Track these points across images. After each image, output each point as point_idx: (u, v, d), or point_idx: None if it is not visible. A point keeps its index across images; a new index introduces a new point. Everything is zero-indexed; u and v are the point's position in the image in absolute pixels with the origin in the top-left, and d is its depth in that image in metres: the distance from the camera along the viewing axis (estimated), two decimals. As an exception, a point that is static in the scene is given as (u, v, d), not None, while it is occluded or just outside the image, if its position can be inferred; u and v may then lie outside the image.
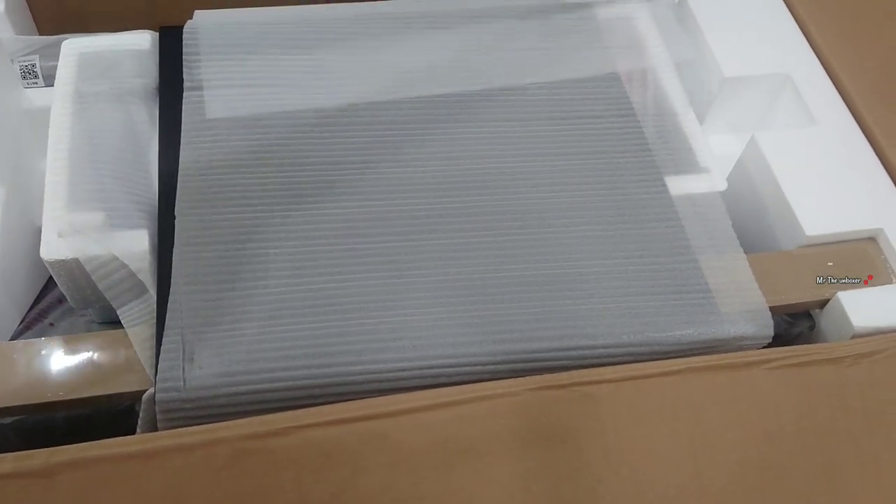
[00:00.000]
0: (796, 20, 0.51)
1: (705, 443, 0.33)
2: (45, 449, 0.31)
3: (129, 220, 0.38)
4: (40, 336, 0.44)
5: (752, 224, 0.44)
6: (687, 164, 0.43)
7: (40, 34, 0.55)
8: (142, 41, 0.45)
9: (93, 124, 0.41)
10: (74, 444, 0.31)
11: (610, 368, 0.35)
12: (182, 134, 0.41)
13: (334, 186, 0.40)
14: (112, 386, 0.35)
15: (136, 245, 0.37)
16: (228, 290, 0.36)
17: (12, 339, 0.44)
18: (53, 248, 0.37)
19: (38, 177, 0.45)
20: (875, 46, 0.49)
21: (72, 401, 0.35)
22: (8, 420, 0.37)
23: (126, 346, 0.36)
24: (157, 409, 0.33)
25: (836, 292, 0.39)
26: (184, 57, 0.44)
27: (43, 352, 0.36)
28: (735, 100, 0.49)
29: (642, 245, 0.39)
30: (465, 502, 0.31)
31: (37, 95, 0.48)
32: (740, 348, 0.37)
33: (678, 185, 0.42)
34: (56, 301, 0.46)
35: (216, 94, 0.42)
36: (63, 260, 0.37)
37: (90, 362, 0.35)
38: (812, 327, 0.41)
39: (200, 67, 0.43)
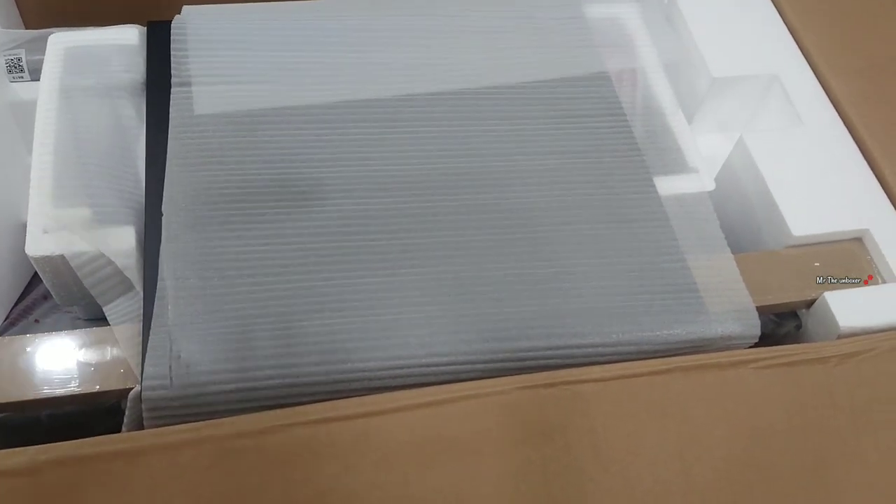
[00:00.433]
0: (784, 21, 0.51)
1: (693, 441, 0.34)
2: (30, 447, 0.31)
3: (115, 216, 0.38)
4: (25, 332, 0.44)
5: (740, 224, 0.44)
6: (675, 164, 0.43)
7: (26, 28, 0.55)
8: (129, 36, 0.45)
9: (79, 119, 0.41)
10: (60, 443, 0.31)
11: (599, 367, 0.35)
12: (170, 129, 0.40)
13: (324, 184, 0.40)
14: (98, 383, 0.34)
15: (122, 241, 0.37)
16: (216, 288, 0.36)
17: (-4, 336, 0.43)
18: (39, 244, 0.37)
19: (24, 172, 0.45)
20: (862, 47, 0.49)
21: (57, 398, 0.34)
22: (-9, 418, 0.36)
23: (112, 344, 0.35)
24: (143, 407, 0.33)
25: (822, 292, 0.39)
26: (172, 52, 0.43)
27: (28, 348, 0.35)
28: (723, 100, 0.49)
29: (631, 244, 0.39)
30: (453, 501, 0.31)
31: (22, 89, 0.47)
32: (727, 348, 0.37)
33: (667, 185, 0.42)
34: (41, 297, 0.46)
35: (204, 90, 0.42)
36: (48, 256, 0.37)
37: (76, 359, 0.35)
38: (799, 327, 0.41)
39: (188, 63, 0.43)
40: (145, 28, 0.45)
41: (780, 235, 0.42)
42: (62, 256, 0.37)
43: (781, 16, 0.51)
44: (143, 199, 0.39)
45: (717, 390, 0.35)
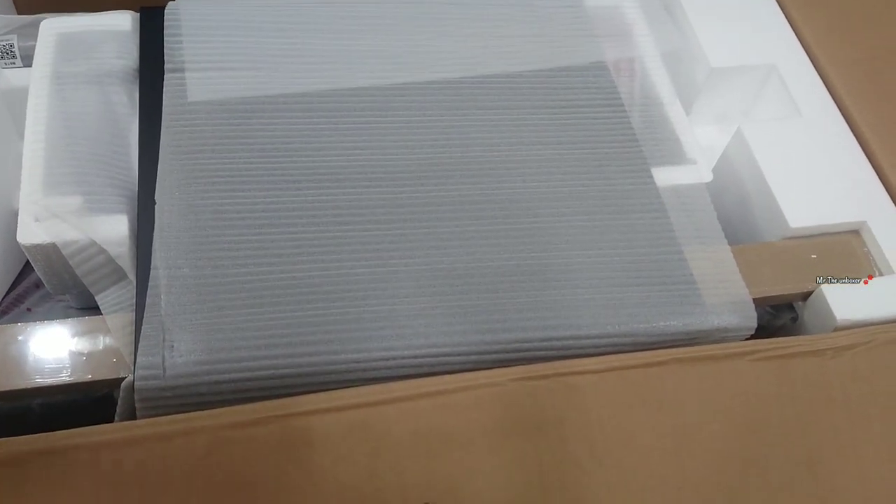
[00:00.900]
0: (783, 11, 0.51)
1: (688, 433, 0.33)
2: (20, 437, 0.30)
3: (107, 204, 0.38)
4: (17, 321, 0.43)
5: (737, 215, 0.44)
6: (673, 154, 0.43)
7: (18, 13, 0.54)
8: (122, 21, 0.44)
9: (71, 106, 0.40)
10: (50, 432, 0.31)
11: (594, 359, 0.34)
12: (163, 117, 0.40)
13: (318, 172, 0.39)
14: (90, 373, 0.34)
15: (114, 230, 0.37)
16: (209, 277, 0.35)
17: (-12, 324, 0.43)
18: (30, 233, 0.36)
19: (15, 159, 0.44)
20: (861, 39, 0.49)
21: (48, 387, 0.34)
22: (-18, 407, 0.36)
23: (104, 333, 0.35)
24: (135, 396, 0.33)
25: (819, 285, 0.39)
26: (165, 38, 0.43)
27: (20, 337, 0.35)
28: (722, 90, 0.48)
29: (628, 236, 0.39)
30: (448, 492, 0.31)
31: (14, 76, 0.47)
32: (723, 339, 0.37)
33: (664, 176, 0.42)
34: (33, 286, 0.46)
35: (198, 77, 0.42)
36: (40, 244, 0.36)
37: (67, 349, 0.35)
38: (795, 319, 0.41)
39: (182, 49, 0.43)
40: (138, 14, 0.45)
41: (777, 227, 0.41)
42: (54, 245, 0.36)
43: (780, 6, 0.51)
44: (135, 187, 0.39)
45: (713, 383, 0.34)
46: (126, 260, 0.36)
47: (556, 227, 0.39)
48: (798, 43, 0.49)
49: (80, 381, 0.34)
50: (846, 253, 0.41)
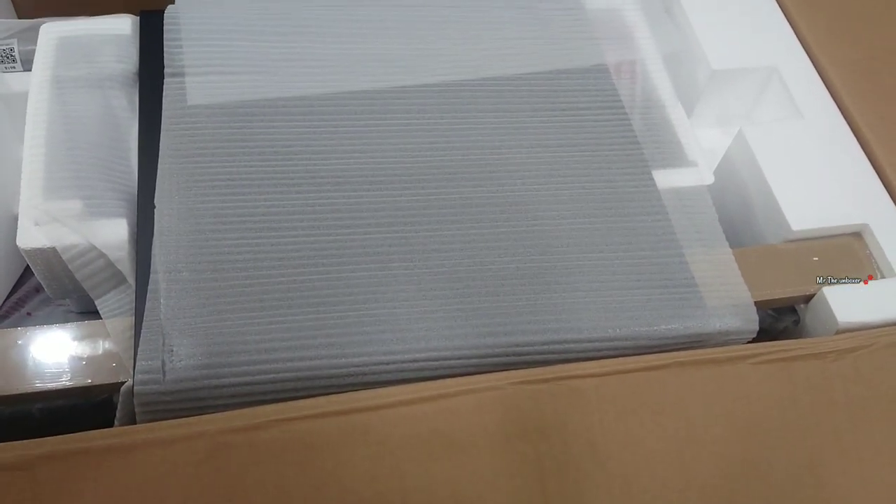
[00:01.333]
0: (784, 13, 0.51)
1: (690, 437, 0.33)
2: (22, 441, 0.30)
3: (107, 208, 0.38)
4: (17, 325, 0.43)
5: (739, 218, 0.44)
6: (674, 157, 0.43)
7: (18, 17, 0.54)
8: (122, 25, 0.44)
9: (71, 110, 0.40)
10: (52, 437, 0.30)
11: (595, 363, 0.34)
12: (162, 121, 0.40)
13: (318, 176, 0.39)
14: (90, 377, 0.34)
15: (114, 234, 0.37)
16: (209, 281, 0.35)
17: (-12, 328, 0.43)
18: (30, 237, 0.36)
19: (15, 163, 0.44)
20: (862, 40, 0.49)
21: (49, 392, 0.34)
22: (-17, 412, 0.36)
23: (104, 337, 0.35)
24: (135, 401, 0.33)
25: (821, 287, 0.39)
26: (165, 42, 0.43)
27: (20, 342, 0.35)
28: (723, 92, 0.48)
29: (629, 238, 0.39)
30: (449, 496, 0.31)
31: (14, 80, 0.47)
32: (725, 343, 0.37)
33: (665, 179, 0.41)
34: (33, 290, 0.46)
35: (198, 81, 0.42)
36: (40, 248, 0.36)
37: (68, 353, 0.35)
38: (797, 322, 0.41)
39: (182, 53, 0.42)
40: (138, 18, 0.45)
41: (778, 230, 0.41)
42: (54, 249, 0.36)
43: (781, 7, 0.51)
44: (135, 191, 0.39)
45: (715, 386, 0.34)
46: (126, 264, 0.36)
47: (557, 230, 0.39)
48: (799, 44, 0.49)
49: (80, 385, 0.34)
50: (848, 255, 0.41)
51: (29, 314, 0.45)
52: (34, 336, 0.35)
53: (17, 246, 0.36)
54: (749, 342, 0.37)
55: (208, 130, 0.40)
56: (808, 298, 0.40)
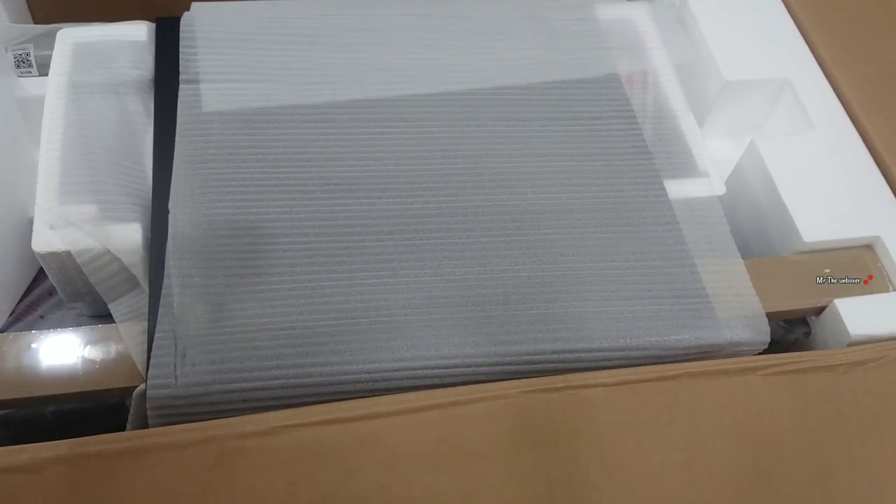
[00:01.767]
0: (797, 25, 0.51)
1: (700, 449, 0.33)
2: (35, 444, 0.30)
3: (122, 212, 0.38)
4: (30, 328, 0.44)
5: (750, 229, 0.44)
6: (686, 167, 0.43)
7: (35, 22, 0.55)
8: (138, 32, 0.45)
9: (87, 116, 0.41)
10: (65, 440, 0.31)
11: (606, 372, 0.34)
12: (177, 127, 0.40)
13: (331, 183, 0.40)
14: (102, 381, 0.34)
15: (128, 238, 0.37)
16: (222, 286, 0.36)
17: (1, 331, 0.43)
18: (45, 240, 0.37)
19: (30, 167, 0.45)
20: (875, 53, 0.49)
21: (61, 395, 0.34)
22: (-4, 413, 0.36)
23: (117, 341, 0.35)
24: (147, 405, 0.33)
25: (832, 299, 0.39)
26: (180, 49, 0.43)
27: (33, 345, 0.35)
28: (735, 103, 0.48)
29: (640, 248, 0.39)
30: (457, 505, 0.31)
31: (30, 84, 0.47)
32: (736, 354, 0.37)
33: (677, 189, 0.42)
34: (46, 293, 0.46)
35: (212, 88, 0.42)
36: (54, 252, 0.37)
37: (80, 356, 0.35)
38: (808, 334, 0.41)
39: (197, 60, 0.43)
40: (154, 24, 0.45)
41: (790, 241, 0.41)
42: (68, 253, 0.36)
43: (794, 20, 0.51)
44: (149, 197, 0.39)
45: (725, 397, 0.34)
46: (139, 268, 0.36)
47: (567, 239, 0.39)
48: (812, 57, 0.49)
49: (92, 388, 0.34)
50: (860, 268, 0.41)
51: (42, 317, 0.45)
52: (48, 339, 0.35)
53: (31, 249, 0.37)
54: (760, 353, 0.37)
55: (222, 137, 0.40)
56: (819, 310, 0.40)
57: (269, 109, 0.42)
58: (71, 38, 0.44)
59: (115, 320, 0.36)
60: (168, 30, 0.44)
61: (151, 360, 0.33)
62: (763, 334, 0.37)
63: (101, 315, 0.43)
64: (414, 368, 0.35)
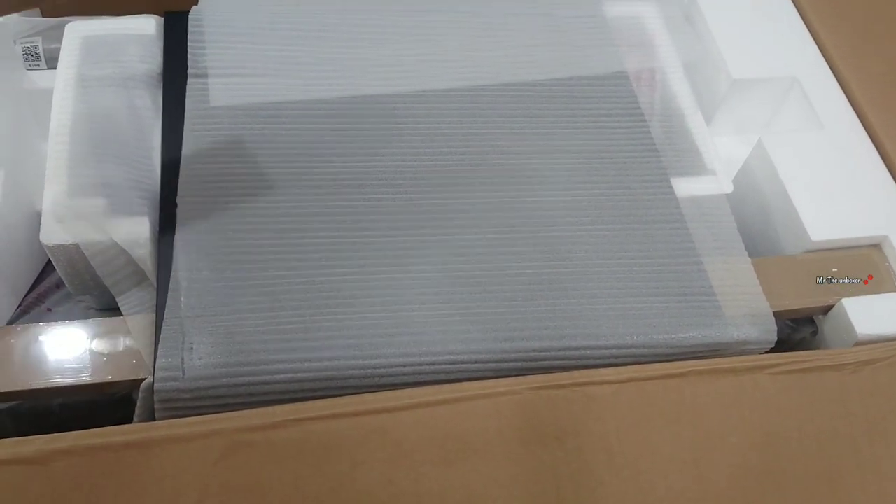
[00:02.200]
0: (806, 24, 0.50)
1: (707, 446, 0.33)
2: (42, 436, 0.31)
3: (130, 206, 0.38)
4: (37, 321, 0.44)
5: (757, 227, 0.44)
6: (693, 165, 0.43)
7: (43, 16, 0.55)
8: (146, 26, 0.45)
9: (95, 109, 0.41)
10: (71, 432, 0.31)
11: (612, 370, 0.34)
12: (185, 121, 0.40)
13: (339, 178, 0.40)
14: (110, 374, 0.34)
15: (136, 232, 0.37)
16: (230, 280, 0.36)
17: (9, 323, 0.43)
18: (53, 233, 0.37)
19: (38, 159, 0.45)
20: (884, 52, 0.49)
21: (68, 387, 0.34)
22: (3, 405, 0.36)
23: (125, 334, 0.35)
24: (155, 398, 0.33)
25: (839, 299, 0.39)
26: (189, 43, 0.43)
27: (41, 337, 0.35)
28: (743, 102, 0.48)
29: (647, 246, 0.39)
30: (464, 500, 0.31)
31: (38, 77, 0.47)
32: (743, 352, 0.37)
33: (684, 187, 0.41)
34: (54, 286, 0.46)
35: (221, 82, 0.42)
36: (63, 245, 0.37)
37: (88, 349, 0.35)
38: (815, 333, 0.41)
39: (205, 54, 0.43)
40: (162, 18, 0.45)
41: (798, 240, 0.41)
42: (76, 246, 0.36)
43: (803, 18, 0.51)
44: (158, 190, 0.39)
45: (732, 396, 0.34)
46: (147, 262, 0.36)
47: (575, 237, 0.39)
48: (820, 55, 0.49)
49: (100, 381, 0.34)
50: (868, 267, 0.41)
51: (49, 310, 0.45)
52: (55, 332, 0.35)
53: (38, 242, 0.37)
54: (766, 352, 0.37)
55: (230, 131, 0.40)
56: (826, 309, 0.40)
57: (277, 104, 0.42)
58: (80, 31, 0.44)
59: (123, 313, 0.36)
60: (176, 24, 0.44)
61: (159, 353, 0.33)
62: (770, 333, 0.37)
63: (108, 308, 0.43)
64: (420, 364, 0.35)
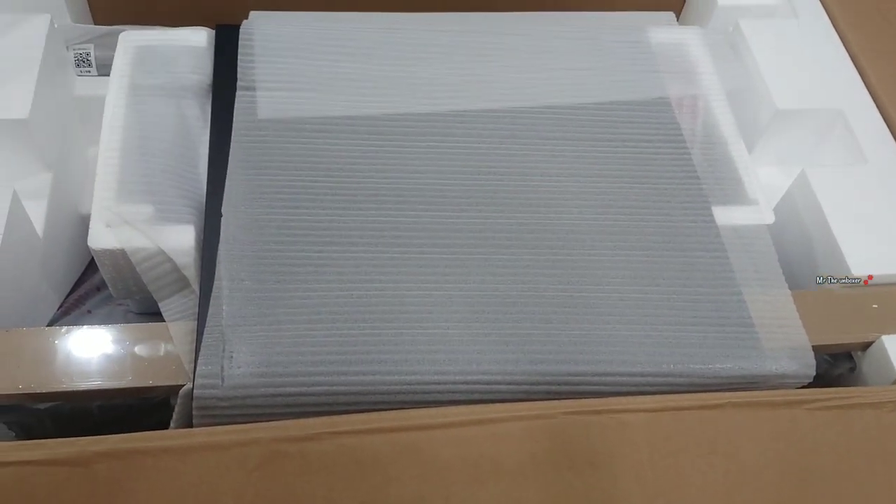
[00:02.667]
0: (850, 56, 0.50)
1: (741, 480, 0.33)
2: (84, 437, 0.31)
3: (176, 214, 0.39)
4: (77, 322, 0.45)
5: (797, 259, 0.44)
6: (735, 194, 0.42)
7: (95, 23, 0.56)
8: (199, 38, 0.46)
9: (146, 118, 0.42)
10: (112, 435, 0.31)
11: (648, 398, 0.34)
12: (233, 132, 0.41)
13: (381, 194, 0.40)
14: (150, 378, 0.35)
15: (182, 240, 0.38)
16: (271, 291, 0.36)
17: (50, 324, 0.44)
18: (101, 238, 0.37)
19: (84, 164, 0.46)
20: (930, 87, 0.48)
21: (108, 390, 0.35)
22: (44, 406, 0.37)
23: (166, 340, 0.36)
24: (194, 405, 0.33)
25: (880, 335, 0.39)
26: (239, 56, 0.44)
27: (83, 339, 0.36)
28: (786, 132, 0.48)
29: (686, 274, 0.39)
30: (495, 522, 0.31)
31: (88, 84, 0.48)
32: (780, 386, 0.37)
33: (725, 215, 0.41)
34: (94, 289, 0.47)
35: (268, 96, 0.43)
36: (110, 250, 0.37)
37: (129, 353, 0.35)
38: (853, 369, 0.40)
39: (254, 68, 0.44)
40: (214, 31, 0.46)
41: (839, 273, 0.41)
42: (123, 251, 0.37)
43: (847, 49, 0.50)
44: (203, 200, 0.40)
45: (769, 429, 0.34)
46: (191, 270, 0.37)
47: (612, 261, 0.39)
48: (865, 89, 0.48)
49: (140, 385, 0.35)
50: (910, 304, 0.40)
51: (89, 312, 0.46)
52: (97, 335, 0.36)
53: (82, 244, 0.38)
54: (803, 387, 0.37)
55: (276, 144, 0.41)
56: (866, 346, 0.39)
57: (322, 119, 0.42)
58: (133, 40, 0.45)
59: (165, 319, 0.36)
60: (227, 37, 0.45)
61: (199, 361, 0.34)
62: (809, 367, 0.37)
63: (146, 312, 0.44)
64: (455, 382, 0.35)
